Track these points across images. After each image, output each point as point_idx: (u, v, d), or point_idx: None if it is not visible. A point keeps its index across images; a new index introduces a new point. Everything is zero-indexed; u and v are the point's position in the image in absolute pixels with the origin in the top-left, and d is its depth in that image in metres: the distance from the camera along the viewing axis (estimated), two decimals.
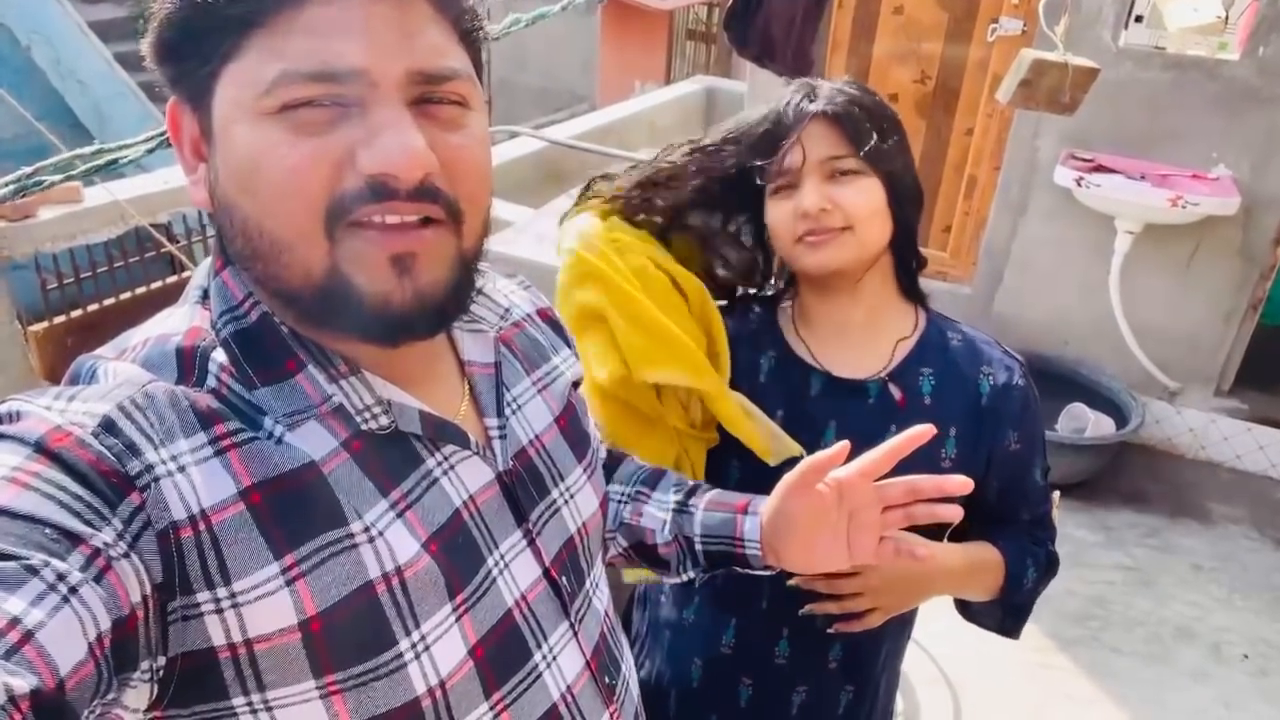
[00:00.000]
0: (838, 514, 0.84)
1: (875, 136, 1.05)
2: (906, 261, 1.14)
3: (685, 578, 0.98)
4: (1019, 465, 1.13)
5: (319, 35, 0.54)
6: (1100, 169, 3.14)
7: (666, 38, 6.60)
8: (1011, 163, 3.47)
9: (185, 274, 2.91)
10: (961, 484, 0.83)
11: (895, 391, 1.10)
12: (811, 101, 1.06)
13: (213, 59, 0.56)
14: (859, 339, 1.13)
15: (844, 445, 0.82)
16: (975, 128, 3.92)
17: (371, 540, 0.59)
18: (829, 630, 1.10)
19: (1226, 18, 2.94)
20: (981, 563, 1.15)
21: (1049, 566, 1.18)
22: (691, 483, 1.00)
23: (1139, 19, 3.12)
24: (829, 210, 1.04)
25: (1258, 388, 3.44)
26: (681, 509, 0.96)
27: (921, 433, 0.82)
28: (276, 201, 0.56)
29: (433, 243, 0.59)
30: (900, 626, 1.19)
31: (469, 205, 0.61)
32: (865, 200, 1.05)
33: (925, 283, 1.19)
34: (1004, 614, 1.19)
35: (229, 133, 0.57)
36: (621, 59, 6.62)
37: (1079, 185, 3.10)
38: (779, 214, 1.08)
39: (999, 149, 3.69)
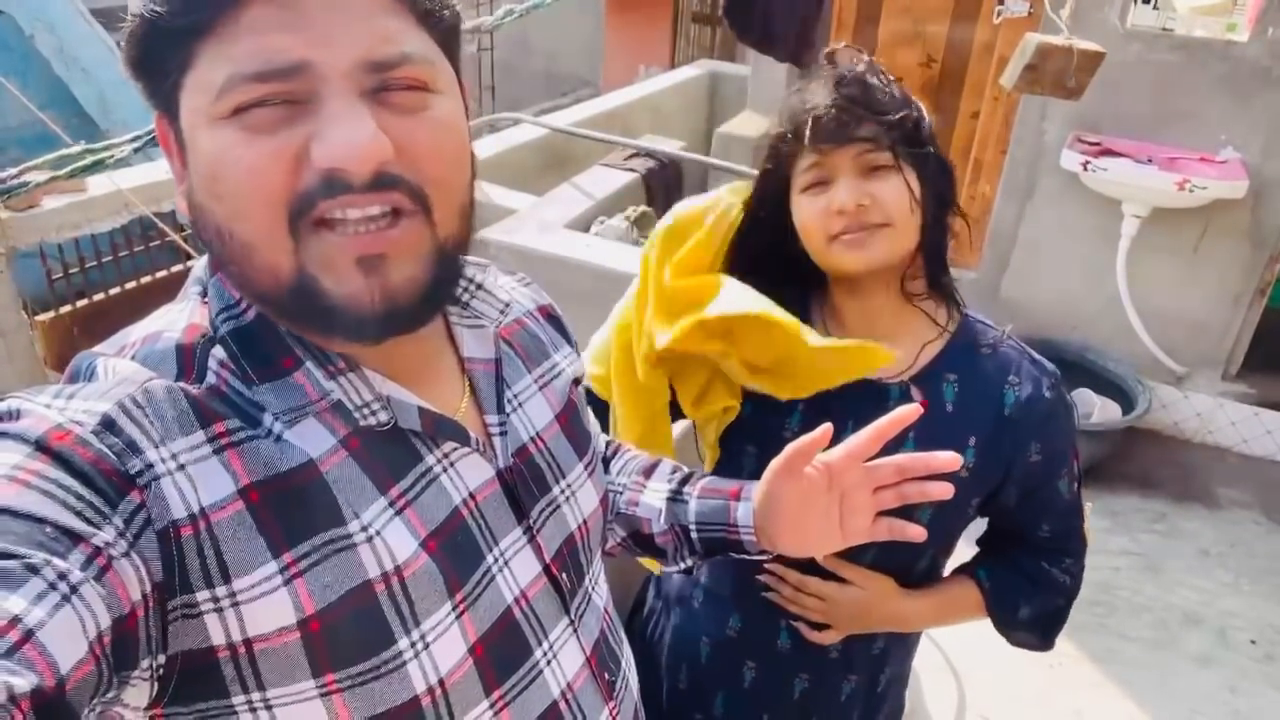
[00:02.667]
0: (828, 497, 0.84)
1: (908, 127, 1.02)
2: (936, 256, 1.11)
3: (683, 565, 0.98)
4: (1041, 477, 1.10)
5: (261, 33, 0.54)
6: (1107, 152, 3.12)
7: (671, 20, 6.56)
8: (1018, 146, 3.45)
9: (190, 262, 2.91)
10: (949, 460, 0.83)
11: (916, 395, 1.08)
12: (839, 91, 1.02)
13: (172, 71, 0.56)
14: (885, 339, 1.09)
15: (827, 428, 0.81)
16: (981, 111, 3.89)
17: (370, 540, 0.59)
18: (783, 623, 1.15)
19: None
20: (953, 602, 1.16)
21: (1056, 590, 1.15)
22: (686, 470, 1.00)
23: (1146, 0, 3.09)
24: (866, 206, 1.01)
25: (1265, 372, 3.42)
26: (676, 497, 0.96)
27: (909, 413, 0.81)
28: (240, 203, 0.56)
29: (402, 241, 0.57)
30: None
31: (436, 190, 0.59)
32: (902, 195, 1.02)
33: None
34: (1023, 634, 1.19)
35: (194, 141, 0.57)
36: (626, 42, 6.59)
37: (1086, 169, 3.08)
38: (810, 212, 1.05)
39: (1005, 132, 3.66)
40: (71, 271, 2.85)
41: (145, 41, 0.56)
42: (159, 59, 0.56)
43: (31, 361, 2.63)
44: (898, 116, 1.02)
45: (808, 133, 1.03)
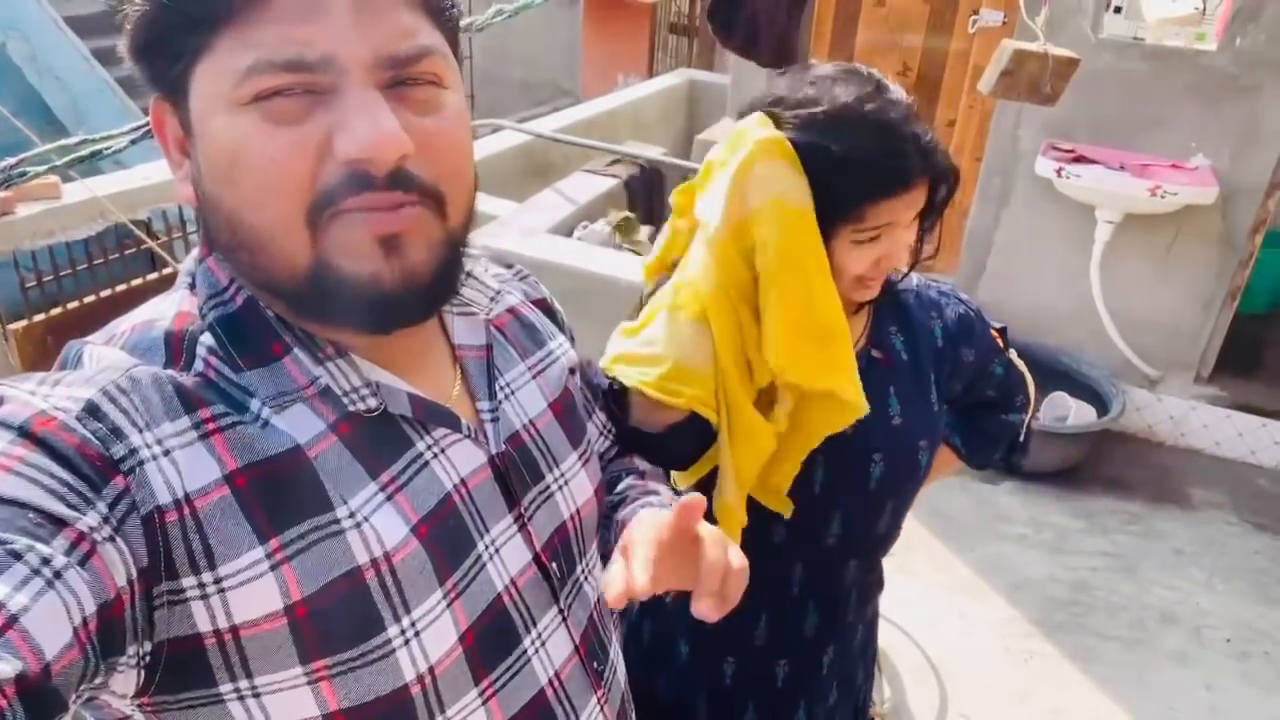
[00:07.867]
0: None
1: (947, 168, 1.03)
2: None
3: None
4: (977, 369, 1.23)
5: (288, 23, 0.54)
6: (1080, 159, 3.16)
7: (649, 31, 6.60)
8: (993, 154, 3.49)
9: (166, 270, 2.88)
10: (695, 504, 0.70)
11: (879, 354, 1.14)
12: (924, 156, 0.99)
13: (185, 55, 0.56)
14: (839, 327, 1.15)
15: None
16: (957, 119, 3.94)
17: (358, 525, 0.59)
18: None
19: (1204, 8, 2.96)
20: (937, 465, 1.26)
21: (1015, 427, 1.33)
22: (628, 494, 0.92)
23: (1118, 10, 3.14)
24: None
25: (1237, 375, 3.48)
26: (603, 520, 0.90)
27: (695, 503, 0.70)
28: (258, 192, 0.55)
29: (417, 222, 0.58)
30: (863, 566, 1.20)
31: (450, 186, 0.60)
32: (912, 238, 1.06)
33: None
34: (995, 467, 1.34)
35: (207, 126, 0.57)
36: (604, 52, 6.61)
37: (1059, 176, 3.12)
38: (858, 258, 1.01)
39: (980, 140, 3.71)
40: (45, 280, 2.82)
41: (160, 24, 0.56)
42: (173, 43, 0.56)
43: (5, 370, 2.60)
44: (943, 157, 1.02)
45: (896, 182, 0.98)
